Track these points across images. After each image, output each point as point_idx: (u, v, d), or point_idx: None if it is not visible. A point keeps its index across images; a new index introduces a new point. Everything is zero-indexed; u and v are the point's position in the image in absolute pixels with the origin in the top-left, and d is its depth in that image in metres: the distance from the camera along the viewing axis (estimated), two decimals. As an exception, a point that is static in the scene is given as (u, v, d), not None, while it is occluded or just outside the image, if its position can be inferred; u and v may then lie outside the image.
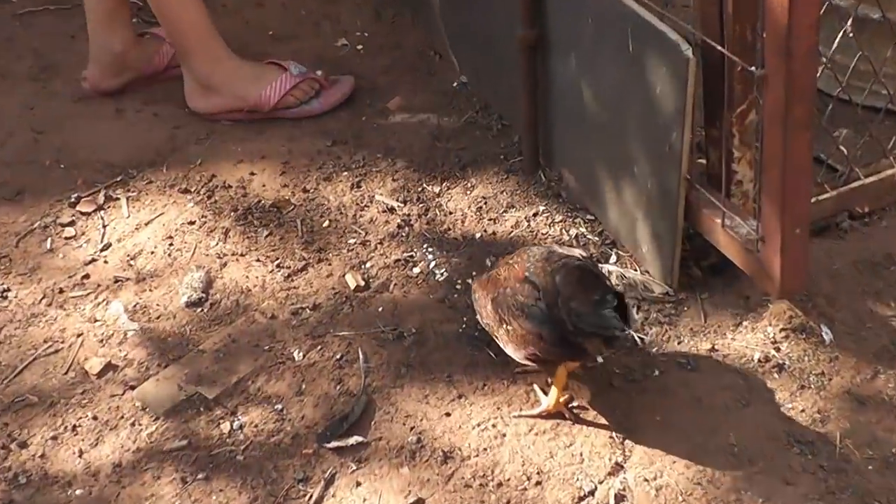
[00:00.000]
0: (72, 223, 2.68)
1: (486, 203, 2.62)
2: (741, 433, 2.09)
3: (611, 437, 2.10)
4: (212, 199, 2.70)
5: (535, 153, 2.67)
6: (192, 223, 2.64)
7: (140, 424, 2.21)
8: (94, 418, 2.23)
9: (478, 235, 2.55)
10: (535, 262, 2.07)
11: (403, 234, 2.57)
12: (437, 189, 2.68)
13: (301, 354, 2.31)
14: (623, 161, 2.37)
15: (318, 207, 2.66)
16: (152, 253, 2.58)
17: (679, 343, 2.27)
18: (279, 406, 2.22)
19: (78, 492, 2.10)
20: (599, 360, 2.21)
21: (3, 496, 2.10)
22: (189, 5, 2.87)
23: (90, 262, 2.57)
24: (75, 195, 2.75)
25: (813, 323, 2.25)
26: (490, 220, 2.58)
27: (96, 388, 2.28)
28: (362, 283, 2.45)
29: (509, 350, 2.11)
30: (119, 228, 2.66)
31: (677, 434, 2.10)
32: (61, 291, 2.50)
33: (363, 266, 2.50)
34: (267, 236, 2.59)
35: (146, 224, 2.66)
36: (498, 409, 2.17)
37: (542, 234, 2.53)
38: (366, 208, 2.65)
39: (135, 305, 2.46)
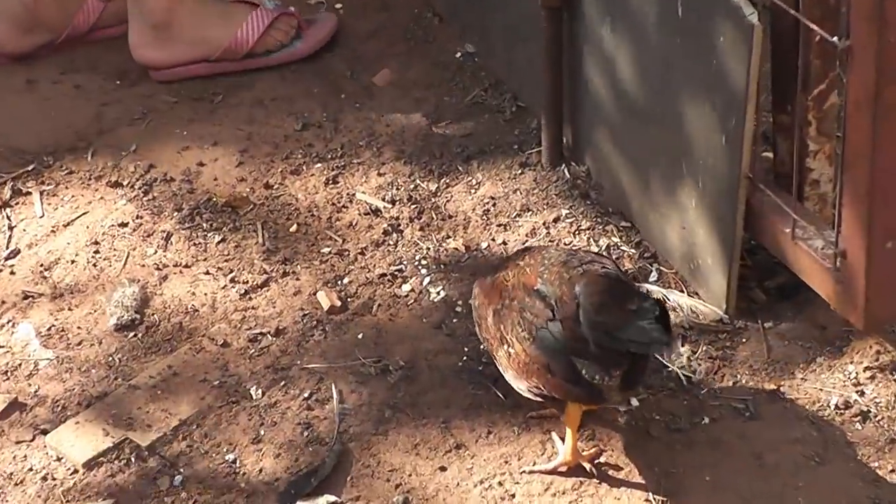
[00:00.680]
0: None
1: (494, 205, 2.65)
2: (814, 499, 2.10)
3: (647, 500, 2.12)
4: (149, 196, 2.73)
5: (559, 143, 2.70)
6: (123, 225, 2.67)
7: (54, 479, 2.22)
8: (-4, 470, 2.27)
9: (484, 245, 2.58)
10: (550, 266, 2.10)
11: (391, 242, 2.59)
12: (433, 186, 2.71)
13: (260, 392, 2.33)
14: (669, 154, 2.41)
15: (284, 208, 2.69)
16: (73, 262, 2.60)
17: (735, 383, 2.29)
18: (231, 456, 2.23)
19: (-26, 564, 2.14)
20: (633, 402, 2.25)
21: None
22: None
23: None
24: None
25: (906, 361, 2.30)
26: (499, 225, 2.61)
27: (-1, 432, 2.33)
28: (338, 304, 2.47)
29: (509, 376, 2.14)
30: (30, 231, 2.69)
31: (731, 499, 2.11)
32: (-44, 310, 2.55)
33: (339, 282, 2.52)
34: (219, 243, 2.62)
35: (65, 226, 2.69)
36: (506, 462, 2.19)
37: (566, 244, 2.55)
38: (344, 209, 2.68)
39: (49, 328, 2.48)
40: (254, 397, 2.32)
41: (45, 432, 2.30)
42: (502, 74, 2.93)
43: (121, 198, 2.73)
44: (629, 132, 2.51)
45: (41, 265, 2.61)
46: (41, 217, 2.72)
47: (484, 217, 2.63)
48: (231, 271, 2.56)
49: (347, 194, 2.71)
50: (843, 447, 2.18)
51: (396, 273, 2.53)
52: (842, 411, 2.23)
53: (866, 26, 1.96)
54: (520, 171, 2.72)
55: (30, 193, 2.77)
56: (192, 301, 2.51)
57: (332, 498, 2.15)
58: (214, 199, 2.71)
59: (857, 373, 2.28)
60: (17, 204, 2.76)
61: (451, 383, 2.32)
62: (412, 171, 2.75)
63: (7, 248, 2.65)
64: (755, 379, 2.29)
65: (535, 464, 2.18)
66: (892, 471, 2.14)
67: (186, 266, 2.58)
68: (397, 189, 2.71)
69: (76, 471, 2.23)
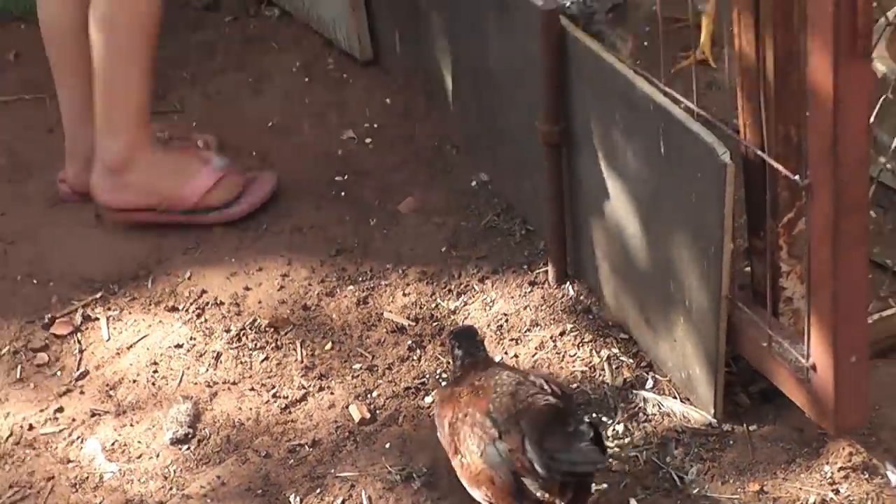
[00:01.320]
0: (44, 348, 2.77)
1: (507, 321, 2.68)
2: (796, 589, 2.11)
3: None
4: (202, 319, 2.78)
5: (563, 263, 2.73)
6: (179, 346, 2.72)
7: (117, 582, 2.28)
8: (66, 575, 2.31)
9: (498, 358, 2.59)
10: (501, 396, 2.15)
11: (414, 357, 2.63)
12: (453, 305, 2.74)
13: (298, 499, 2.36)
14: (659, 276, 2.43)
15: (320, 327, 2.73)
16: (134, 381, 2.66)
17: (724, 483, 2.29)
18: (273, 560, 2.28)
19: None
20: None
21: None
22: (134, 75, 2.94)
23: (64, 394, 2.65)
24: (49, 315, 2.83)
25: (877, 461, 2.27)
26: (512, 339, 2.64)
27: (68, 541, 2.37)
28: (368, 416, 2.50)
29: (464, 482, 2.19)
30: (98, 353, 2.74)
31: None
32: (31, 428, 2.57)
33: (369, 395, 2.56)
34: (262, 361, 2.67)
35: (128, 348, 2.74)
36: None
37: (570, 355, 2.57)
38: (373, 328, 2.71)
39: (113, 443, 2.52)
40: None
41: (108, 540, 2.35)
42: (513, 200, 2.96)
43: (177, 321, 2.78)
44: (624, 255, 2.53)
45: (107, 385, 2.66)
46: (107, 340, 2.76)
47: (497, 332, 2.65)
48: (273, 387, 2.60)
49: (376, 314, 2.74)
50: (822, 542, 2.19)
51: (419, 386, 2.56)
52: (819, 509, 2.24)
53: (823, 166, 1.99)
54: (529, 290, 2.74)
55: (98, 319, 2.82)
56: (239, 415, 2.55)
57: None
58: (258, 321, 2.75)
59: (832, 472, 2.27)
60: (86, 329, 2.81)
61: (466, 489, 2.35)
62: (434, 291, 2.78)
63: (77, 369, 2.70)
64: (741, 479, 2.29)
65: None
66: (866, 563, 2.15)
67: (234, 383, 2.62)
68: (420, 308, 2.74)
69: (136, 575, 2.28)
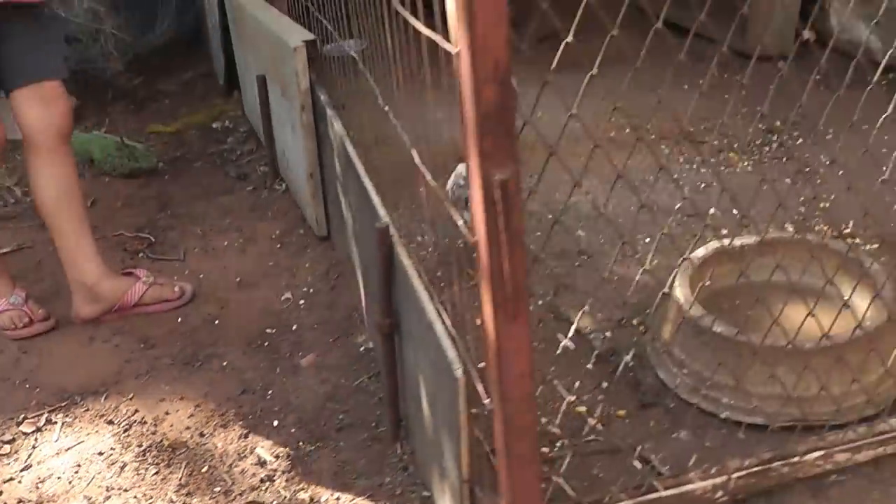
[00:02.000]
0: (11, 441, 3.07)
1: (343, 467, 2.82)
2: None
3: None
4: (126, 433, 3.02)
5: (396, 426, 2.88)
6: (101, 454, 2.95)
7: None
8: None
9: (324, 498, 2.84)
10: None
11: (263, 488, 2.85)
12: (310, 448, 2.95)
13: None
14: (438, 452, 2.70)
15: (205, 453, 2.94)
16: (59, 478, 2.89)
17: None
18: None
19: None
20: None
21: None
22: (80, 231, 3.47)
23: (8, 481, 2.90)
24: (23, 415, 3.15)
25: None
26: (341, 484, 2.83)
27: None
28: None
29: None
30: (44, 451, 2.99)
31: None
32: (-27, 509, 2.81)
33: (223, 520, 2.73)
34: (153, 475, 2.87)
35: (66, 450, 2.98)
36: None
37: (379, 505, 2.82)
38: (244, 458, 2.91)
39: (27, 530, 2.75)
40: None
41: None
42: (381, 369, 3.24)
43: (109, 432, 3.02)
44: (424, 428, 2.79)
45: (39, 478, 2.90)
46: (55, 441, 3.02)
47: (333, 477, 2.79)
48: (150, 498, 2.77)
49: (251, 448, 2.93)
50: None
51: (256, 513, 2.87)
52: None
53: (497, 399, 2.26)
54: (369, 444, 2.88)
55: (56, 423, 3.08)
56: (117, 519, 2.83)
57: None
58: (164, 441, 2.98)
59: None
60: (45, 430, 3.06)
61: None
62: (300, 436, 2.94)
63: (25, 462, 3.01)
64: None
65: None
66: None
67: (125, 490, 2.81)
68: (285, 447, 2.91)
69: None
